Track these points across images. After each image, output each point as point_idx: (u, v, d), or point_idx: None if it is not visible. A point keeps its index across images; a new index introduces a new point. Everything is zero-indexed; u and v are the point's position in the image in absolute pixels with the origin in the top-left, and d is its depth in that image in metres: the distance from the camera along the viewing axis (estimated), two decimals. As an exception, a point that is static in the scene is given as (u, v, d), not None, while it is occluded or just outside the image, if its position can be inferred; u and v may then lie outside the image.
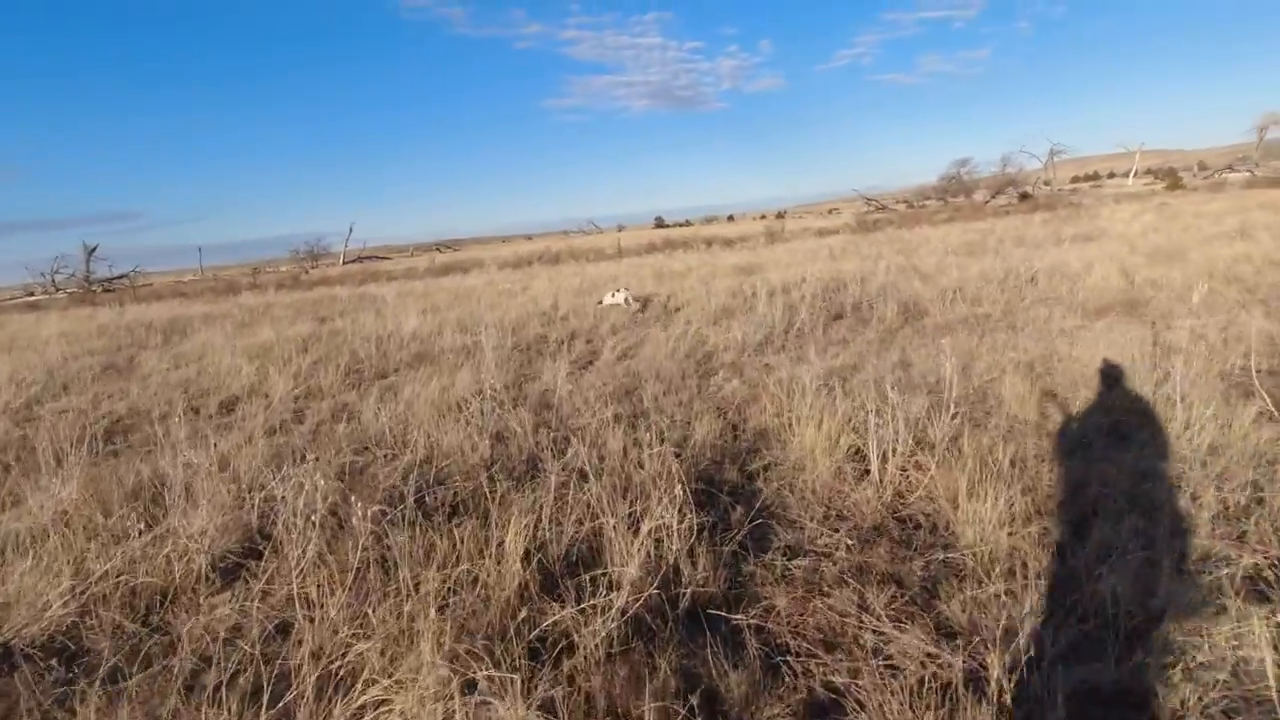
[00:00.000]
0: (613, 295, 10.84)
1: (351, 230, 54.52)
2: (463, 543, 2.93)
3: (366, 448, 4.77)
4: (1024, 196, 41.69)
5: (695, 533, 2.93)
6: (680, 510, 2.90)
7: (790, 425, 4.29)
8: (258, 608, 2.79)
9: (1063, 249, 13.05)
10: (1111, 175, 78.23)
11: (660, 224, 78.29)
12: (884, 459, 3.60)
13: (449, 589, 2.69)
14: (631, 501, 3.17)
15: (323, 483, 3.05)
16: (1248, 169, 43.42)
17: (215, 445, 4.56)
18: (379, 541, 3.01)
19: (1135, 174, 61.35)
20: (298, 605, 2.59)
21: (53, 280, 39.06)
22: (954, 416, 4.02)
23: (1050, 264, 10.43)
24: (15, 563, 3.06)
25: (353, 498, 2.98)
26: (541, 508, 3.18)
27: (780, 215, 73.79)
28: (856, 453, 3.87)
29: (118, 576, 2.91)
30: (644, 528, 2.82)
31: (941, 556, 2.94)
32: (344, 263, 51.34)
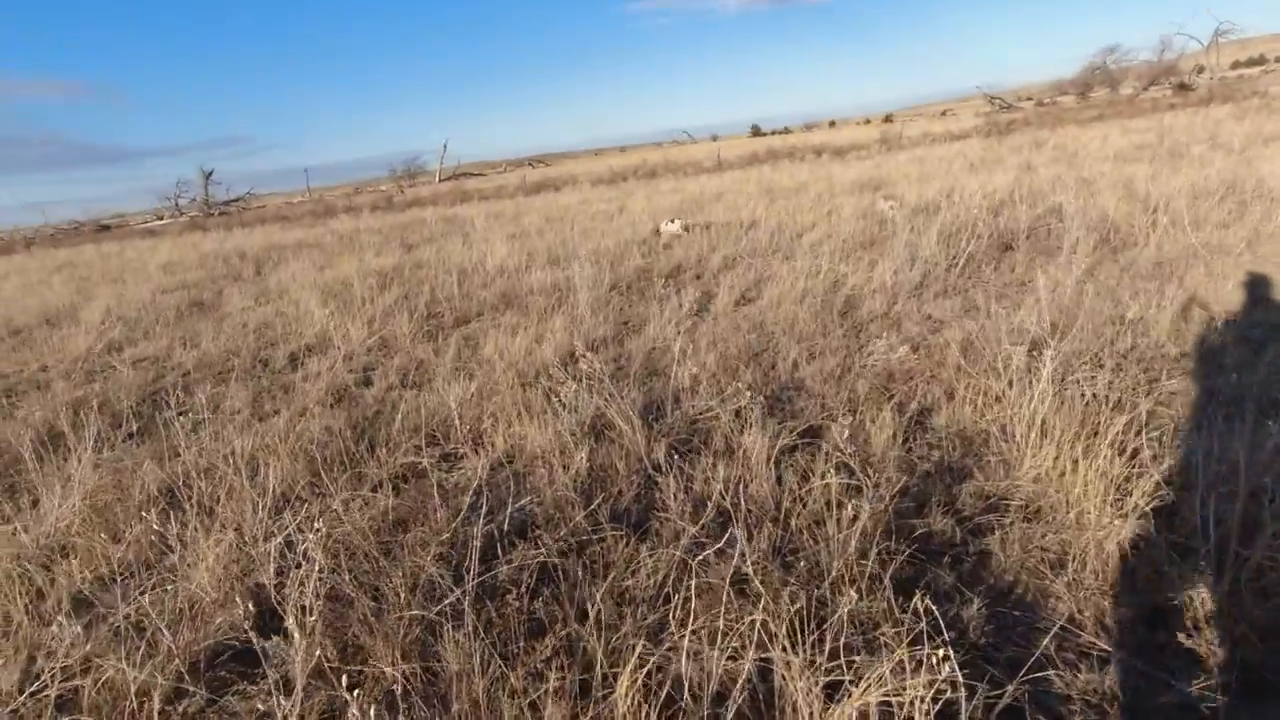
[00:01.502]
0: (669, 223, 9.58)
1: (445, 148, 54.09)
2: (546, 686, 1.87)
3: (434, 437, 3.83)
4: (1181, 87, 35.90)
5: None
6: (917, 663, 1.67)
7: (1008, 431, 2.98)
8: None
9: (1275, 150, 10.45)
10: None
11: (757, 132, 73.96)
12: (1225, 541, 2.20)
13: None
14: (808, 604, 2.00)
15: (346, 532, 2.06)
16: None
17: (247, 441, 3.69)
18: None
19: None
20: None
21: (176, 204, 40.92)
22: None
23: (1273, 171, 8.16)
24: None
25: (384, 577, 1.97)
26: (669, 626, 2.06)
27: (888, 119, 67.90)
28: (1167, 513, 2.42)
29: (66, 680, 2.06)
30: (848, 707, 1.64)
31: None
32: (439, 180, 51.28)
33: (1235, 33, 45.10)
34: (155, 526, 2.51)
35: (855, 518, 2.28)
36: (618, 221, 12.16)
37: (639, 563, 2.36)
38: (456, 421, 3.85)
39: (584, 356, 4.11)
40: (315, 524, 2.17)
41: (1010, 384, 3.14)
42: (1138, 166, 9.92)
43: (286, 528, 2.55)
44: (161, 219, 38.01)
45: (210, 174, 42.01)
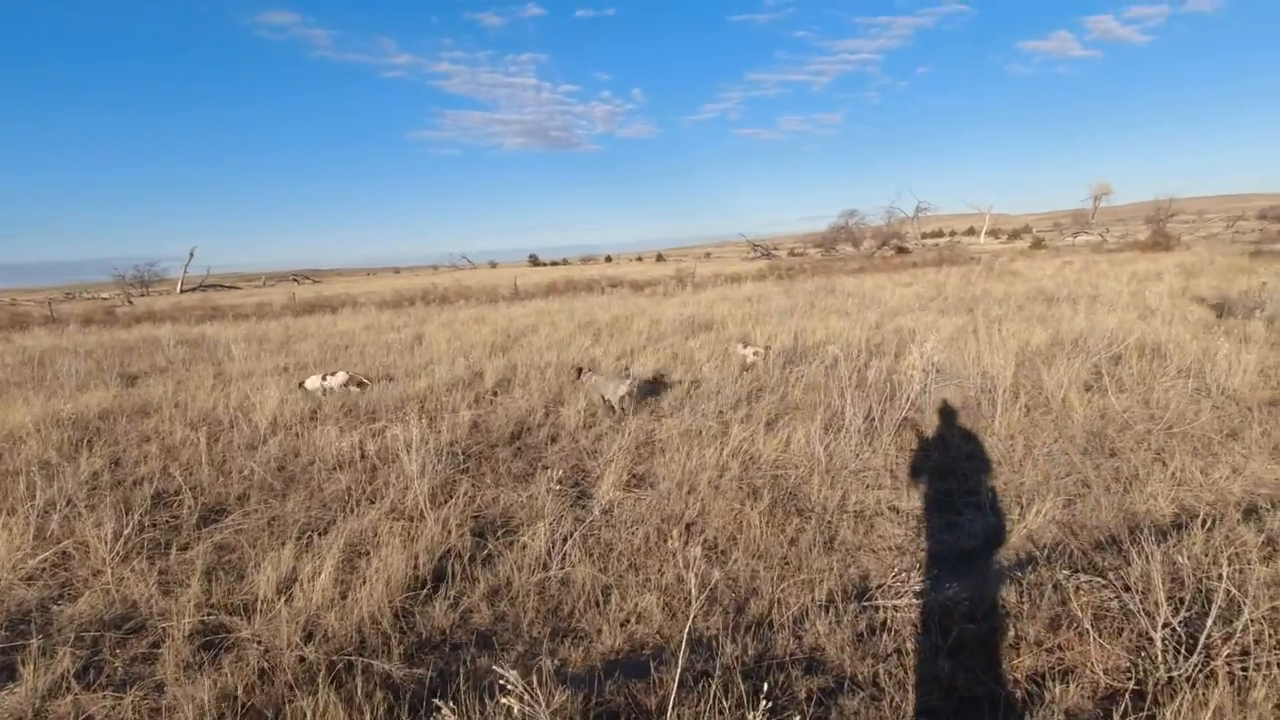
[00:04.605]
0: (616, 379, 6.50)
1: (192, 255, 47.65)
2: None
3: None
4: (900, 250, 42.84)
5: None
6: None
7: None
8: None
9: (1060, 306, 11.67)
10: (955, 233, 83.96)
11: (535, 261, 75.46)
12: None
13: None
14: None
15: None
16: (1098, 232, 47.21)
17: None
18: None
19: (985, 233, 66.43)
20: None
21: None
22: None
23: (1103, 325, 8.76)
24: None
25: None
26: None
27: (660, 257, 73.26)
28: None
29: None
30: None
31: None
32: (182, 290, 44.50)
33: (930, 209, 55.66)
34: None
35: None
36: (419, 354, 10.24)
37: None
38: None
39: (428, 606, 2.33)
40: None
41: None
42: (952, 318, 10.39)
43: None
44: None
45: None
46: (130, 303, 31.97)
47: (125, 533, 3.77)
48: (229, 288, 47.98)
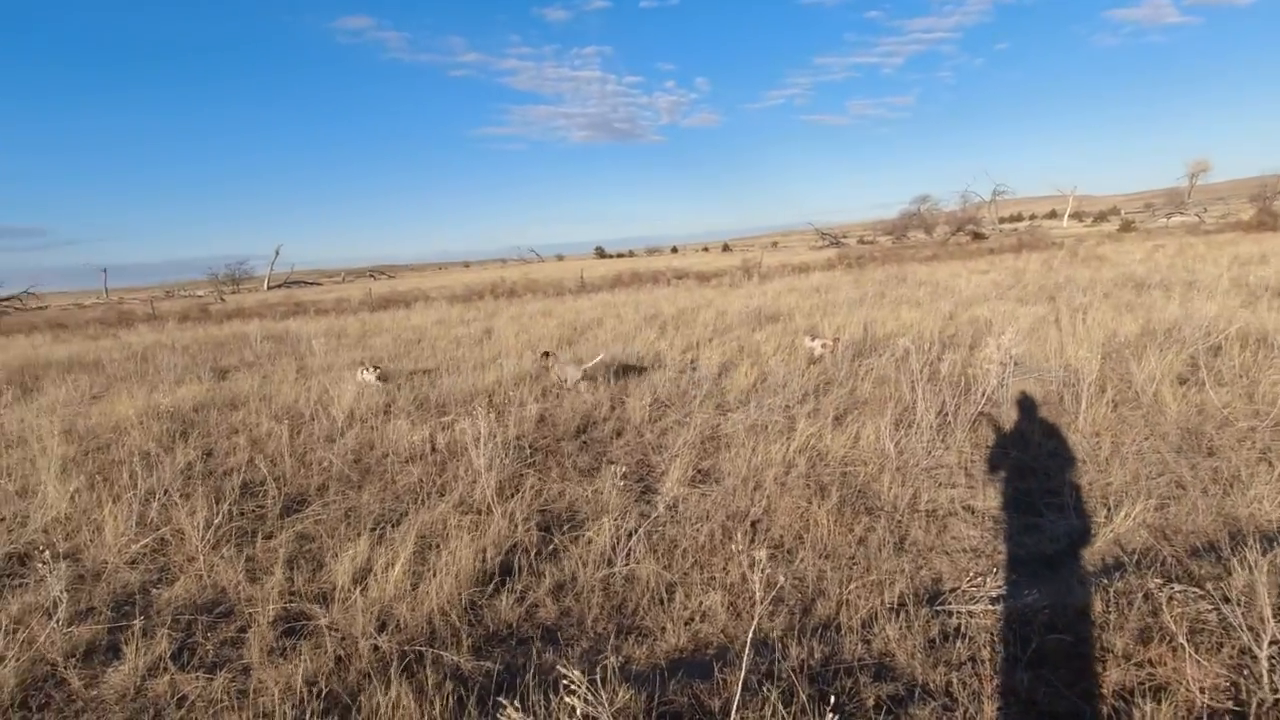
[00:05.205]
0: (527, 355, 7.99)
1: (278, 253, 50.11)
2: None
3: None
4: (976, 235, 41.07)
5: None
6: None
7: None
8: None
9: (1151, 293, 10.96)
10: (1035, 216, 79.94)
11: (602, 253, 75.78)
12: None
13: None
14: None
15: None
16: (1195, 212, 44.07)
17: None
18: None
19: (1068, 215, 62.92)
20: None
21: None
22: None
23: (1210, 316, 8.16)
24: None
25: None
26: None
27: (726, 247, 72.48)
28: None
29: None
30: None
31: None
32: (268, 287, 46.81)
33: (1008, 193, 53.16)
34: None
35: None
36: (487, 349, 10.46)
37: None
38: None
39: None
40: None
41: None
42: (1032, 307, 9.90)
43: None
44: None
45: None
46: (222, 300, 33.88)
47: (216, 521, 3.99)
48: (311, 284, 50.17)
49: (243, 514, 4.36)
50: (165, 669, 2.79)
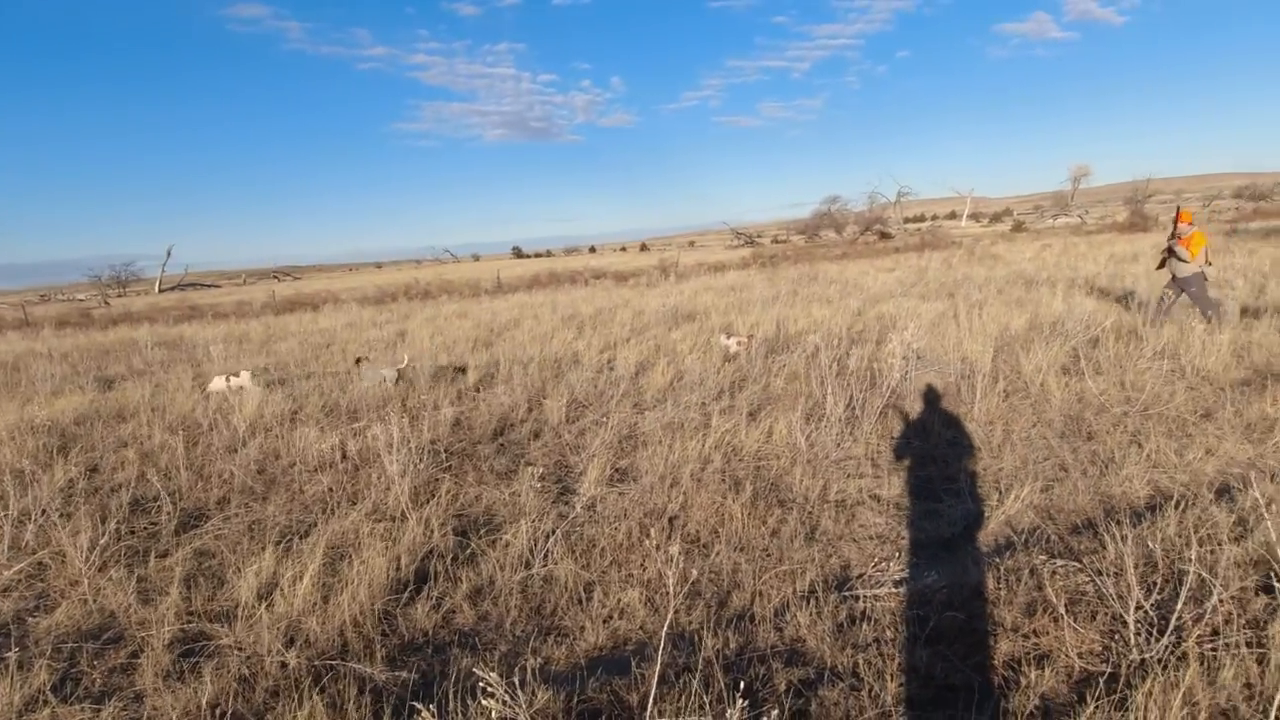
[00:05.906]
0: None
1: (170, 254, 47.06)
2: None
3: None
4: (883, 235, 43.02)
5: None
6: None
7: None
8: None
9: (1039, 290, 11.75)
10: (936, 217, 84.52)
11: (519, 253, 74.93)
12: None
13: None
14: None
15: None
16: (1078, 214, 47.62)
17: None
18: None
19: (966, 216, 66.76)
20: None
21: None
22: None
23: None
24: None
25: None
26: None
27: (644, 247, 73.06)
28: None
29: None
30: None
31: None
32: (160, 290, 43.89)
33: (912, 194, 55.86)
34: None
35: None
36: (401, 352, 10.17)
37: None
38: None
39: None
40: None
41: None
42: (933, 304, 10.46)
43: None
44: None
45: None
46: (107, 304, 31.49)
47: (102, 541, 3.73)
48: (208, 286, 47.42)
49: (133, 532, 4.09)
50: (45, 702, 2.58)
